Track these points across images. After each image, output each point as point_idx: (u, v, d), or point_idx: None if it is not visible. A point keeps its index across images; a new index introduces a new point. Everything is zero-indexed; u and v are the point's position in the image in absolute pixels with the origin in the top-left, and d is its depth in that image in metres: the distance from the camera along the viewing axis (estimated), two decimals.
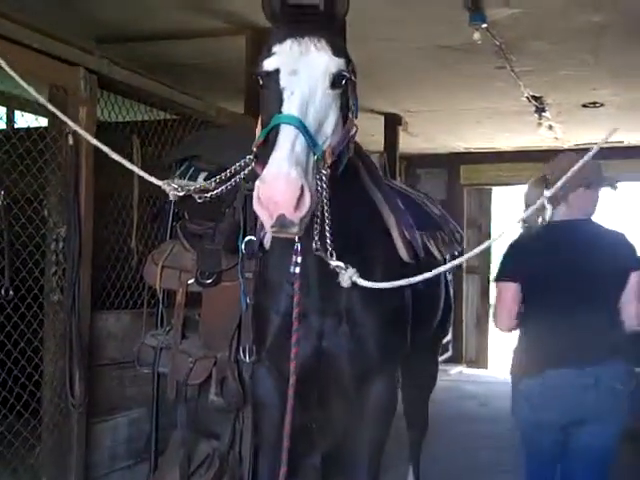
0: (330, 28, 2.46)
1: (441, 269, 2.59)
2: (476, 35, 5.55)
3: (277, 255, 3.07)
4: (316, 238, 2.45)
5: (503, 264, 3.56)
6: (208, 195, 2.74)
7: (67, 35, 3.90)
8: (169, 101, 4.69)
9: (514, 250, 3.54)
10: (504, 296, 3.47)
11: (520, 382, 3.47)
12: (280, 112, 2.28)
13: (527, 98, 7.96)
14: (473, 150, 11.35)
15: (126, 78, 4.25)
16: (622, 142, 9.61)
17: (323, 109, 2.34)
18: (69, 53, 3.80)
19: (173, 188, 2.82)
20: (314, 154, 2.24)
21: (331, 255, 2.48)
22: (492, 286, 12.66)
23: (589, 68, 6.87)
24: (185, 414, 3.58)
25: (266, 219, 2.16)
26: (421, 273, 2.63)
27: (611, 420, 3.35)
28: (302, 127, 2.23)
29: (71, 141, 3.72)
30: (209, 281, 3.57)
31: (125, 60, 4.35)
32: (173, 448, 3.61)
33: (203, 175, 3.63)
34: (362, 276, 2.55)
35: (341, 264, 2.48)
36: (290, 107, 2.28)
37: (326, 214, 2.40)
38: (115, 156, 2.91)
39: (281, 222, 2.14)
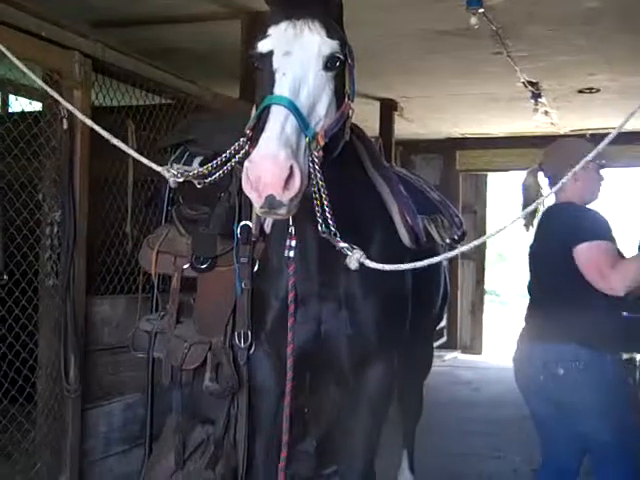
0: (326, 11, 2.46)
1: (447, 255, 2.58)
2: (473, 20, 5.53)
3: (277, 239, 3.07)
4: (320, 221, 2.43)
5: None
6: (207, 181, 2.72)
7: (62, 19, 3.87)
8: (164, 85, 4.66)
9: None
10: None
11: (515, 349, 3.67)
12: (272, 93, 2.28)
13: (523, 84, 7.94)
14: (469, 136, 11.34)
15: (121, 62, 4.22)
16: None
17: (316, 91, 2.33)
18: (63, 37, 3.77)
19: (173, 174, 2.80)
20: (305, 136, 2.23)
21: (335, 236, 2.45)
22: (487, 272, 12.70)
23: (585, 54, 6.85)
24: (180, 399, 3.57)
25: (255, 199, 2.16)
26: (422, 258, 2.62)
27: (589, 412, 3.31)
28: (293, 108, 2.22)
29: (66, 125, 3.70)
30: (204, 266, 3.56)
31: (120, 44, 4.33)
32: (168, 433, 3.61)
33: (198, 160, 3.62)
34: None
35: (347, 245, 2.45)
36: (282, 88, 2.28)
37: (324, 196, 2.38)
38: (115, 141, 2.88)
39: (270, 202, 2.13)
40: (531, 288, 3.63)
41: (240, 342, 3.28)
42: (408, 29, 6.24)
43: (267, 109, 2.24)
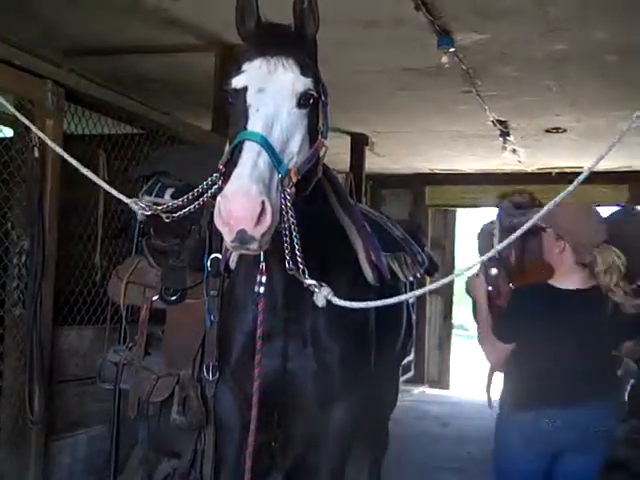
0: (300, 48, 2.49)
1: (416, 293, 2.61)
2: (444, 59, 5.62)
3: (243, 275, 3.08)
4: (288, 257, 2.43)
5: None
6: (176, 215, 2.72)
7: (35, 47, 3.87)
8: (136, 115, 4.66)
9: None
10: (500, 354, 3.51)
11: (513, 415, 3.45)
12: (245, 129, 2.30)
13: (492, 122, 8.07)
14: (438, 171, 11.46)
15: (93, 91, 4.22)
16: (582, 168, 9.78)
17: (289, 127, 2.35)
18: (36, 65, 3.77)
19: (141, 207, 2.79)
20: (278, 172, 2.25)
21: (303, 273, 2.46)
22: (454, 308, 12.76)
23: (552, 95, 6.99)
24: (146, 432, 3.55)
25: (226, 234, 2.16)
26: (386, 295, 2.64)
27: (594, 453, 3.42)
28: (266, 144, 2.24)
29: (37, 154, 3.69)
30: (173, 298, 3.56)
31: (93, 73, 4.33)
32: (133, 466, 3.57)
33: (170, 191, 3.62)
34: None
35: (315, 282, 2.47)
36: (255, 124, 2.30)
37: (294, 232, 2.39)
38: (85, 171, 2.88)
39: (241, 238, 2.14)
40: (545, 349, 3.40)
41: (208, 375, 3.26)
42: (380, 66, 6.32)
43: (240, 145, 2.26)
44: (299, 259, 2.43)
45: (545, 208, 2.39)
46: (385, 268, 3.30)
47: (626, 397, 7.11)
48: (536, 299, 3.42)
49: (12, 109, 3.23)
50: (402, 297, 2.59)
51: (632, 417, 7.06)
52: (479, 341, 3.60)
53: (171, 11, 5.30)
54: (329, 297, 2.45)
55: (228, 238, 2.17)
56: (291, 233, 2.37)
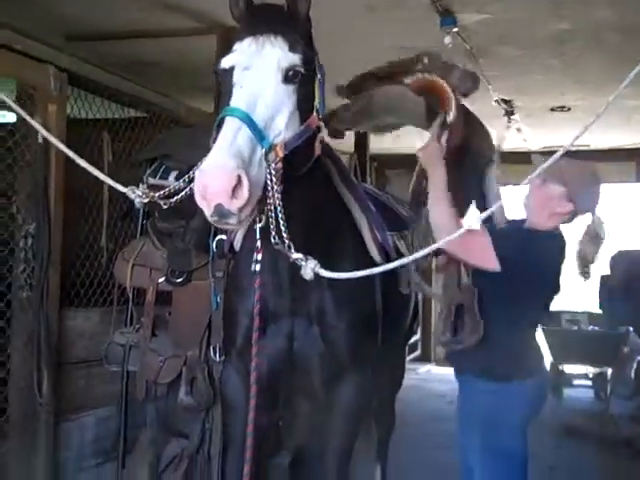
0: (292, 26, 2.49)
1: (404, 260, 2.60)
2: (447, 39, 5.59)
3: (246, 255, 3.08)
4: (273, 233, 2.42)
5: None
6: (172, 200, 2.70)
7: (37, 32, 3.87)
8: (138, 99, 4.68)
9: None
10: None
11: (513, 384, 3.14)
12: (229, 106, 2.31)
13: (496, 101, 8.03)
14: None
15: (96, 76, 4.24)
16: (588, 145, 9.74)
17: (275, 103, 2.35)
18: (39, 50, 3.78)
19: (137, 195, 2.78)
20: (262, 147, 2.25)
21: (289, 248, 2.43)
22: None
23: (557, 73, 6.97)
24: (154, 413, 3.57)
25: (205, 209, 2.17)
26: (392, 273, 2.64)
27: None
28: (247, 119, 2.24)
29: (40, 139, 3.70)
30: (180, 280, 3.57)
31: (96, 58, 4.34)
32: (142, 447, 3.60)
33: (174, 174, 3.62)
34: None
35: (301, 256, 2.44)
36: (237, 100, 2.31)
37: (279, 208, 2.37)
38: (82, 162, 2.82)
39: (219, 212, 2.15)
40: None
41: (215, 356, 3.28)
42: (382, 46, 6.28)
43: (222, 121, 2.27)
44: (285, 234, 2.41)
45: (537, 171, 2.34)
46: (391, 247, 3.31)
47: (632, 374, 7.13)
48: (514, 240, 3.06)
49: (12, 103, 3.18)
50: (390, 265, 2.53)
51: (638, 394, 7.09)
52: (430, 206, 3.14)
53: None
54: (316, 269, 2.43)
55: (207, 213, 2.18)
56: (276, 208, 2.36)
